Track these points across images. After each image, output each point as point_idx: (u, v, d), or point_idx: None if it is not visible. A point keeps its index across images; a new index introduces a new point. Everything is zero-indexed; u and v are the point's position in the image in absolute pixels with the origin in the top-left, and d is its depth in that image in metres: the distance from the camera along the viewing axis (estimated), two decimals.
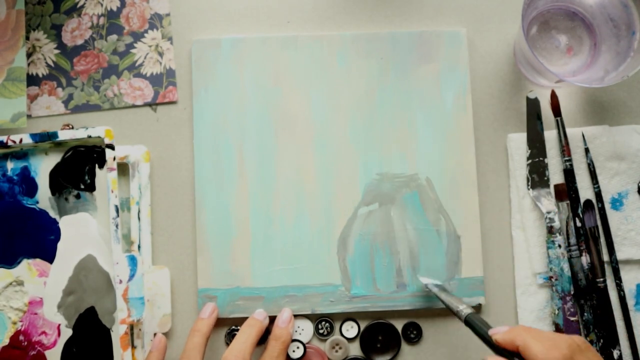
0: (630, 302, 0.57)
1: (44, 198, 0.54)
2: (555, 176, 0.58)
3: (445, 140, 0.58)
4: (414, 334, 0.57)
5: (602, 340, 0.55)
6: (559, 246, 0.56)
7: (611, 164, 0.58)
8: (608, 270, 0.57)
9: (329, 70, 0.58)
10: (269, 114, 0.58)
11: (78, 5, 0.59)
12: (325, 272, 0.56)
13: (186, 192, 0.58)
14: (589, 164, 0.58)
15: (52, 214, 0.54)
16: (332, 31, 0.60)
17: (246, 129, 0.58)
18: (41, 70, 0.59)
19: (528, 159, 0.58)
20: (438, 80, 0.58)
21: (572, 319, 0.55)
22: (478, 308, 0.57)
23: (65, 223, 0.54)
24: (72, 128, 0.58)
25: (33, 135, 0.53)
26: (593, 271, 0.56)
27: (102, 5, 0.60)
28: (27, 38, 0.59)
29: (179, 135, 0.59)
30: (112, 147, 0.51)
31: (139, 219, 0.56)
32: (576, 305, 0.56)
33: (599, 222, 0.57)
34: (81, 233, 0.53)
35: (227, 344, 0.56)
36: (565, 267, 0.55)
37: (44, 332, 0.53)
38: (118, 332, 0.50)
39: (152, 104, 0.59)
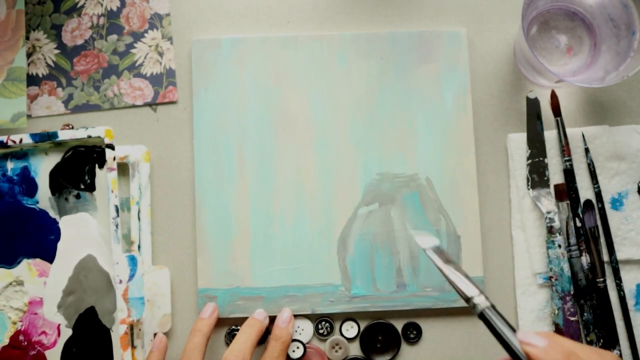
0: (630, 302, 0.57)
1: (44, 198, 0.54)
2: (555, 176, 0.58)
3: (445, 140, 0.58)
4: (413, 334, 0.57)
5: (602, 340, 0.55)
6: (559, 246, 0.56)
7: (611, 164, 0.58)
8: (608, 270, 0.57)
9: (329, 70, 0.58)
10: (269, 114, 0.58)
11: (78, 5, 0.59)
12: (325, 272, 0.56)
13: (186, 192, 0.58)
14: (589, 164, 0.58)
15: (52, 214, 0.54)
16: (332, 31, 0.60)
17: (246, 129, 0.58)
18: (41, 70, 0.59)
19: (528, 159, 0.58)
20: (438, 80, 0.58)
21: (572, 319, 0.55)
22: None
23: (65, 223, 0.54)
24: (72, 128, 0.58)
25: (33, 135, 0.53)
26: (593, 271, 0.56)
27: (102, 5, 0.60)
28: (27, 38, 0.59)
29: (179, 135, 0.59)
30: (112, 147, 0.51)
31: (139, 219, 0.56)
32: (576, 305, 0.56)
33: (599, 222, 0.57)
34: (81, 233, 0.53)
35: (227, 344, 0.56)
36: (565, 267, 0.55)
37: (44, 332, 0.53)
38: (118, 332, 0.50)
39: (152, 104, 0.59)
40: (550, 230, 0.56)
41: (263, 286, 0.56)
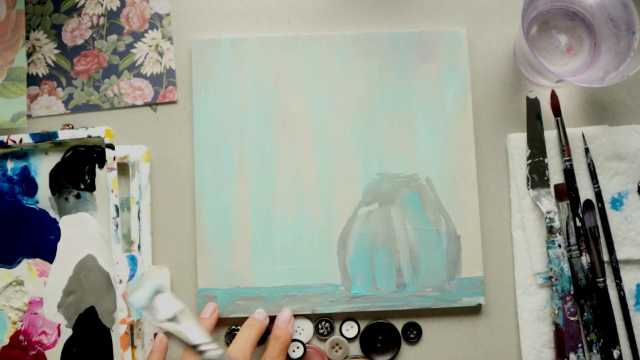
0: (630, 302, 0.57)
1: (44, 198, 0.54)
2: (555, 176, 0.58)
3: (445, 140, 0.58)
4: (413, 334, 0.57)
5: (602, 340, 0.55)
6: (559, 246, 0.56)
7: (611, 164, 0.58)
8: (608, 270, 0.57)
9: (329, 70, 0.58)
10: (269, 114, 0.58)
11: (78, 5, 0.59)
12: (325, 272, 0.56)
13: (186, 192, 0.58)
14: (589, 164, 0.58)
15: (52, 213, 0.54)
16: (332, 31, 0.60)
17: (246, 129, 0.58)
18: (41, 70, 0.59)
19: (528, 159, 0.58)
20: (438, 80, 0.58)
21: (572, 318, 0.55)
22: (478, 308, 0.57)
23: (65, 223, 0.54)
24: (72, 128, 0.58)
25: (33, 135, 0.53)
26: (593, 271, 0.56)
27: (102, 5, 0.60)
28: (27, 38, 0.59)
29: (179, 135, 0.59)
30: (112, 147, 0.51)
31: (139, 218, 0.56)
32: (576, 305, 0.56)
33: (599, 222, 0.57)
34: (81, 233, 0.53)
35: (228, 344, 0.56)
36: (565, 267, 0.55)
37: (44, 332, 0.53)
38: (118, 332, 0.50)
39: (152, 104, 0.59)
40: (550, 230, 0.56)
41: (263, 286, 0.56)
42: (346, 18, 0.60)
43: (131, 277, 0.50)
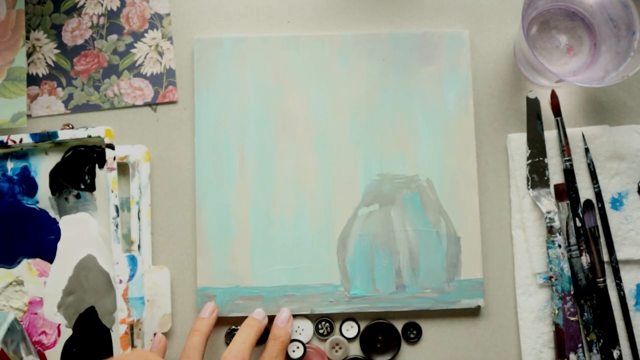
0: (630, 302, 0.57)
1: (44, 198, 0.54)
2: (555, 176, 0.58)
3: (445, 141, 0.58)
4: (413, 334, 0.57)
5: (602, 340, 0.55)
6: (559, 246, 0.56)
7: (611, 164, 0.58)
8: (608, 270, 0.57)
9: (330, 71, 0.58)
10: (270, 113, 0.58)
11: (78, 5, 0.59)
12: (325, 273, 0.56)
13: (186, 192, 0.58)
14: (589, 164, 0.58)
15: (52, 213, 0.54)
16: (331, 31, 0.60)
17: (247, 128, 0.58)
18: (41, 70, 0.59)
19: (528, 159, 0.58)
20: (440, 82, 0.58)
21: (572, 319, 0.55)
22: (477, 310, 0.57)
23: (65, 223, 0.54)
24: (72, 128, 0.58)
25: (33, 135, 0.53)
26: (593, 271, 0.56)
27: (102, 5, 0.60)
28: (27, 38, 0.59)
29: (179, 135, 0.59)
30: (112, 147, 0.51)
31: (139, 219, 0.56)
32: (576, 305, 0.56)
33: (599, 222, 0.57)
34: (81, 233, 0.53)
35: (227, 344, 0.56)
36: (565, 267, 0.55)
37: (44, 332, 0.53)
38: (118, 332, 0.50)
39: (152, 104, 0.59)
40: (550, 230, 0.56)
41: (262, 286, 0.56)
42: (346, 18, 0.60)
43: (131, 277, 0.50)
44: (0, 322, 0.49)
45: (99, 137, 0.52)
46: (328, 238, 0.57)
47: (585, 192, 0.58)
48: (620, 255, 0.57)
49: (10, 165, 0.54)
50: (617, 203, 0.58)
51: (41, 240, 0.54)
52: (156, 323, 0.55)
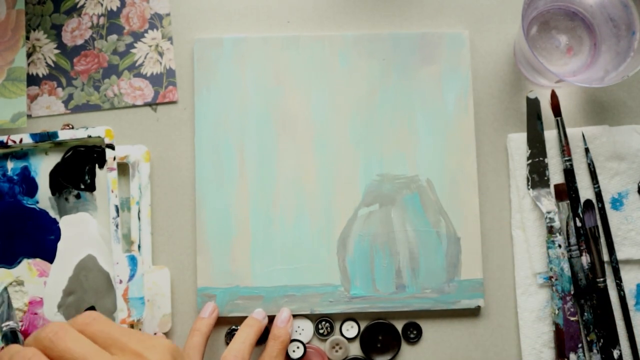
0: (630, 302, 0.57)
1: (44, 198, 0.54)
2: (555, 176, 0.58)
3: (446, 141, 0.58)
4: (414, 334, 0.57)
5: (602, 340, 0.55)
6: (559, 246, 0.56)
7: (611, 164, 0.58)
8: (608, 270, 0.57)
9: (330, 71, 0.58)
10: (270, 113, 0.58)
11: (78, 5, 0.59)
12: (325, 273, 0.56)
13: (186, 192, 0.58)
14: (589, 164, 0.58)
15: (52, 214, 0.54)
16: (331, 31, 0.60)
17: (247, 128, 0.58)
18: (41, 70, 0.59)
19: (528, 159, 0.58)
20: (440, 82, 0.58)
21: (572, 318, 0.55)
22: (477, 310, 0.57)
23: (65, 223, 0.54)
24: (72, 128, 0.58)
25: (33, 135, 0.53)
26: (593, 271, 0.56)
27: (102, 5, 0.60)
28: (27, 38, 0.59)
29: (179, 135, 0.59)
30: (112, 147, 0.51)
31: (139, 219, 0.56)
32: (576, 305, 0.56)
33: (599, 222, 0.57)
34: (81, 233, 0.53)
35: (227, 344, 0.56)
36: (565, 267, 0.55)
37: None
38: None
39: (152, 104, 0.59)
40: (551, 230, 0.56)
41: (262, 286, 0.56)
42: (346, 18, 0.60)
43: (131, 277, 0.50)
44: None
45: (99, 137, 0.52)
46: (328, 238, 0.57)
47: (585, 192, 0.58)
48: (620, 255, 0.57)
49: (10, 165, 0.54)
50: (617, 203, 0.58)
51: (41, 240, 0.54)
52: (156, 323, 0.55)
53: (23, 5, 0.58)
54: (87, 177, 0.54)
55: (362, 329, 0.57)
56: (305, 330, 0.57)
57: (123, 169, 0.57)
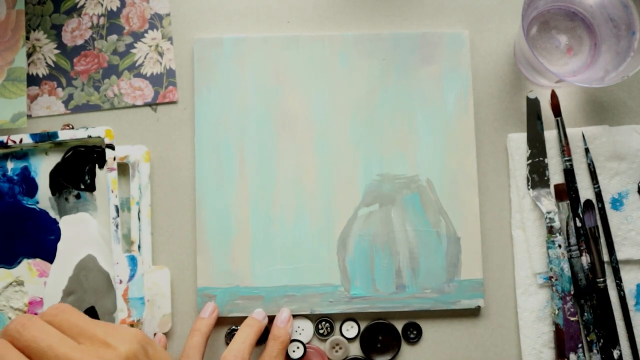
0: (630, 302, 0.57)
1: (44, 198, 0.54)
2: (555, 176, 0.58)
3: (446, 141, 0.58)
4: (414, 334, 0.57)
5: (602, 340, 0.55)
6: (559, 246, 0.56)
7: (611, 164, 0.58)
8: (608, 270, 0.57)
9: (330, 71, 0.58)
10: (270, 113, 0.58)
11: (78, 5, 0.59)
12: (325, 273, 0.56)
13: (186, 192, 0.58)
14: (589, 164, 0.58)
15: (52, 214, 0.54)
16: (331, 31, 0.60)
17: (247, 128, 0.58)
18: (41, 70, 0.59)
19: (528, 159, 0.58)
20: (440, 82, 0.58)
21: (572, 319, 0.55)
22: (477, 310, 0.57)
23: (65, 223, 0.54)
24: (72, 128, 0.58)
25: (33, 135, 0.53)
26: (593, 271, 0.56)
27: (102, 5, 0.60)
28: (27, 38, 0.59)
29: (179, 135, 0.59)
30: (112, 147, 0.51)
31: (139, 219, 0.56)
32: (576, 305, 0.56)
33: (599, 222, 0.57)
34: (81, 233, 0.53)
35: (227, 344, 0.56)
36: (565, 267, 0.55)
37: None
38: None
39: (152, 104, 0.59)
40: (551, 230, 0.56)
41: (262, 286, 0.56)
42: (346, 18, 0.60)
43: (131, 277, 0.50)
44: None
45: (99, 137, 0.52)
46: (328, 238, 0.57)
47: (585, 192, 0.58)
48: (620, 255, 0.57)
49: (10, 165, 0.54)
50: (617, 203, 0.58)
51: (41, 241, 0.54)
52: (156, 323, 0.55)
53: (23, 6, 0.58)
54: (87, 177, 0.54)
55: (362, 329, 0.57)
56: (305, 330, 0.57)
57: (123, 169, 0.57)
